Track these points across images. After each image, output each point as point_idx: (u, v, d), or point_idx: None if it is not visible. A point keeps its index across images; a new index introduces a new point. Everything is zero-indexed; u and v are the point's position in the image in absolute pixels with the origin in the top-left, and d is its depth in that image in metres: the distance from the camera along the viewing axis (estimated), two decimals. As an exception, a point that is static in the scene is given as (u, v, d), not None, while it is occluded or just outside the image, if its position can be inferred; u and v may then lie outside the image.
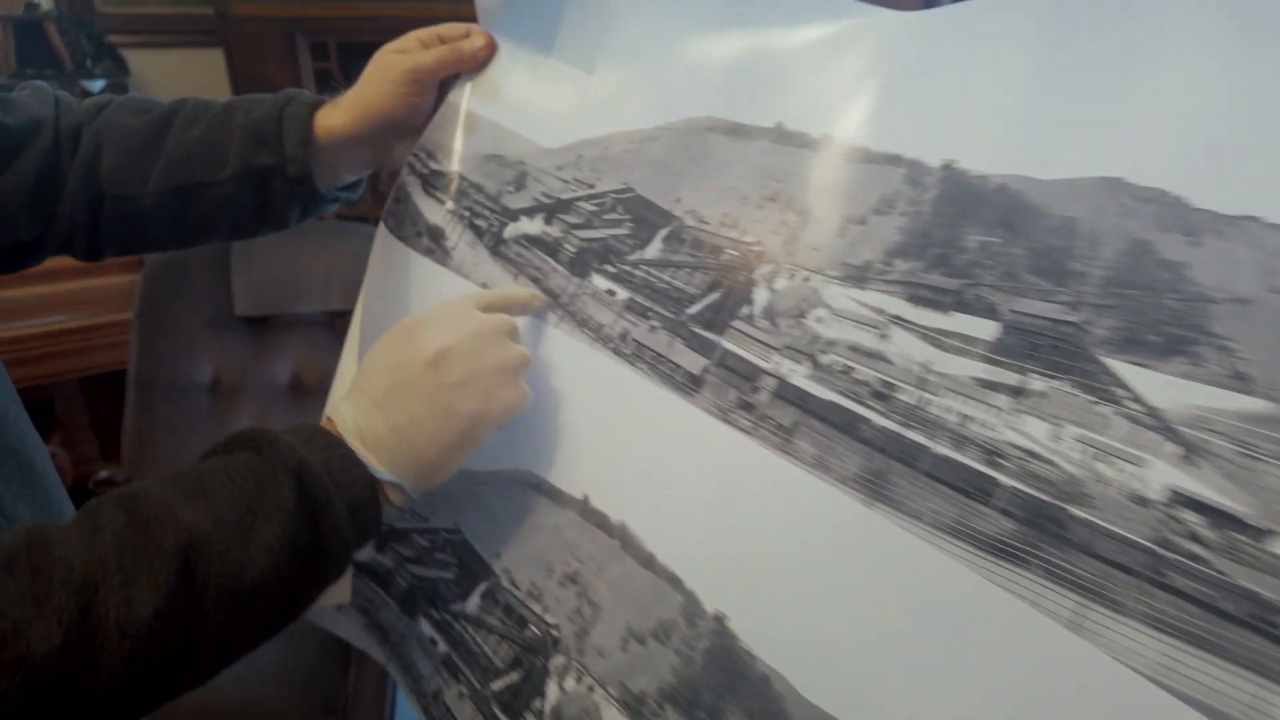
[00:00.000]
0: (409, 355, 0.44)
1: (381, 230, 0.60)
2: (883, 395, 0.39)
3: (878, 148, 0.43)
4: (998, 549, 0.33)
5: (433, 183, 0.58)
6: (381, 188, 2.20)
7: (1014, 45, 0.38)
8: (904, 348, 0.39)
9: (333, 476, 0.40)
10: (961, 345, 0.37)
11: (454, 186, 0.57)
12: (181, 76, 1.86)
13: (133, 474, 1.47)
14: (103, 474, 1.92)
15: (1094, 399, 0.32)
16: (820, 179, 0.45)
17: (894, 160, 0.42)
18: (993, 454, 0.34)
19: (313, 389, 1.56)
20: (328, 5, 1.70)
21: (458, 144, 0.57)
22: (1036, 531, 0.32)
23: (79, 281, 1.64)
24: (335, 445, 0.41)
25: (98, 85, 1.68)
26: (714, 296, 0.47)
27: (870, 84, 0.44)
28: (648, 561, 0.45)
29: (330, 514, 0.39)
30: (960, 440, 0.35)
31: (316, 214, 0.64)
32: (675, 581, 0.44)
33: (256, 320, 1.54)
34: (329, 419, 0.44)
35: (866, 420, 0.39)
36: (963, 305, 0.37)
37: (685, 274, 0.48)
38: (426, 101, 0.58)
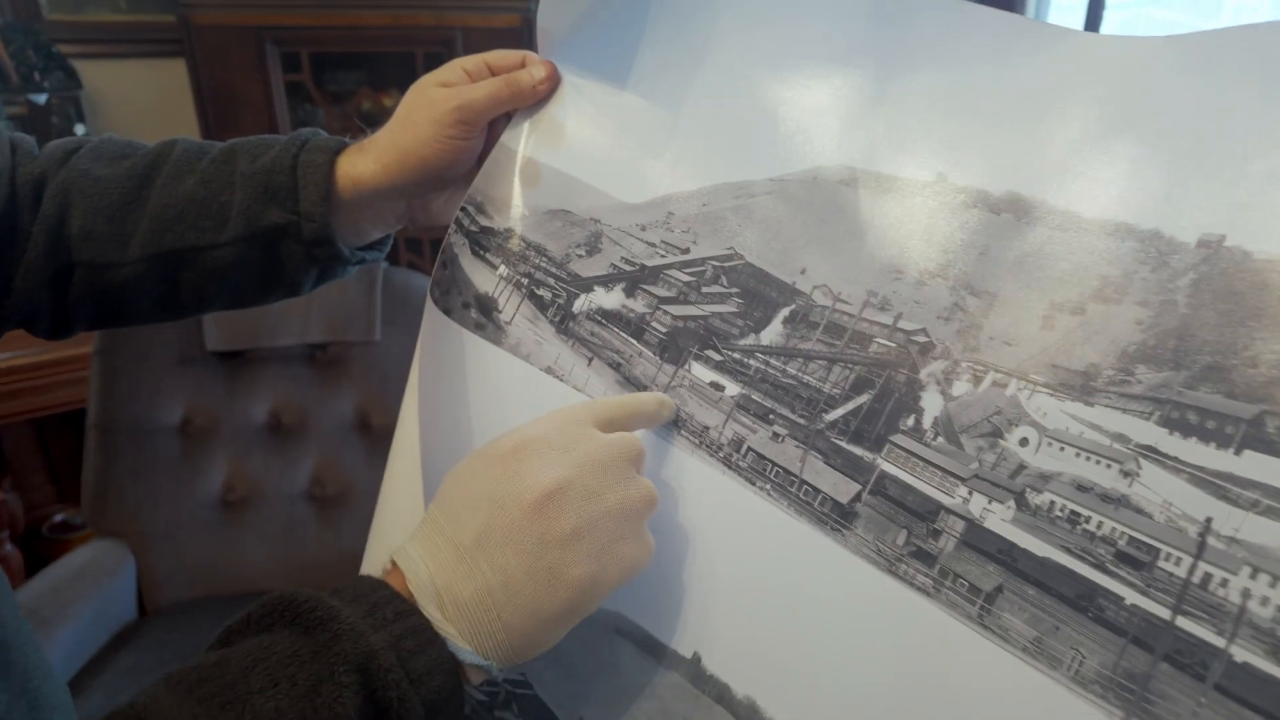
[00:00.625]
0: (509, 492, 0.33)
1: (429, 303, 0.49)
2: (1137, 561, 0.29)
3: (1092, 214, 0.33)
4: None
5: (482, 243, 0.47)
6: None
7: None
8: (1166, 494, 0.29)
9: (405, 665, 0.30)
10: (1271, 502, 0.27)
11: (509, 247, 0.47)
12: (139, 90, 1.71)
13: (93, 523, 1.33)
14: (59, 518, 1.76)
15: None
16: (1007, 250, 0.35)
17: (1120, 231, 0.32)
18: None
19: (292, 429, 1.43)
20: (300, 12, 1.57)
21: (515, 196, 0.46)
22: None
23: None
24: (406, 615, 0.31)
25: (44, 99, 1.53)
26: (862, 400, 0.37)
27: (1072, 130, 0.34)
28: (792, 753, 0.35)
29: (405, 718, 0.29)
30: (1278, 646, 0.26)
31: (334, 278, 0.53)
32: (836, 785, 0.33)
33: (229, 355, 1.42)
34: (394, 566, 0.33)
35: (1112, 595, 0.29)
36: (1263, 443, 0.27)
37: (819, 368, 0.38)
38: (474, 145, 0.47)
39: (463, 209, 0.47)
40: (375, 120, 0.49)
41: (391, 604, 0.31)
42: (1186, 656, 0.27)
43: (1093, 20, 0.98)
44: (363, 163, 0.47)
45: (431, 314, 0.48)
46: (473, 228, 0.47)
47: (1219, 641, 0.26)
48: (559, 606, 0.33)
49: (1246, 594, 0.26)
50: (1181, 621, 0.27)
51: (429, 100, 0.46)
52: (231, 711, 0.27)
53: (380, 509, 0.50)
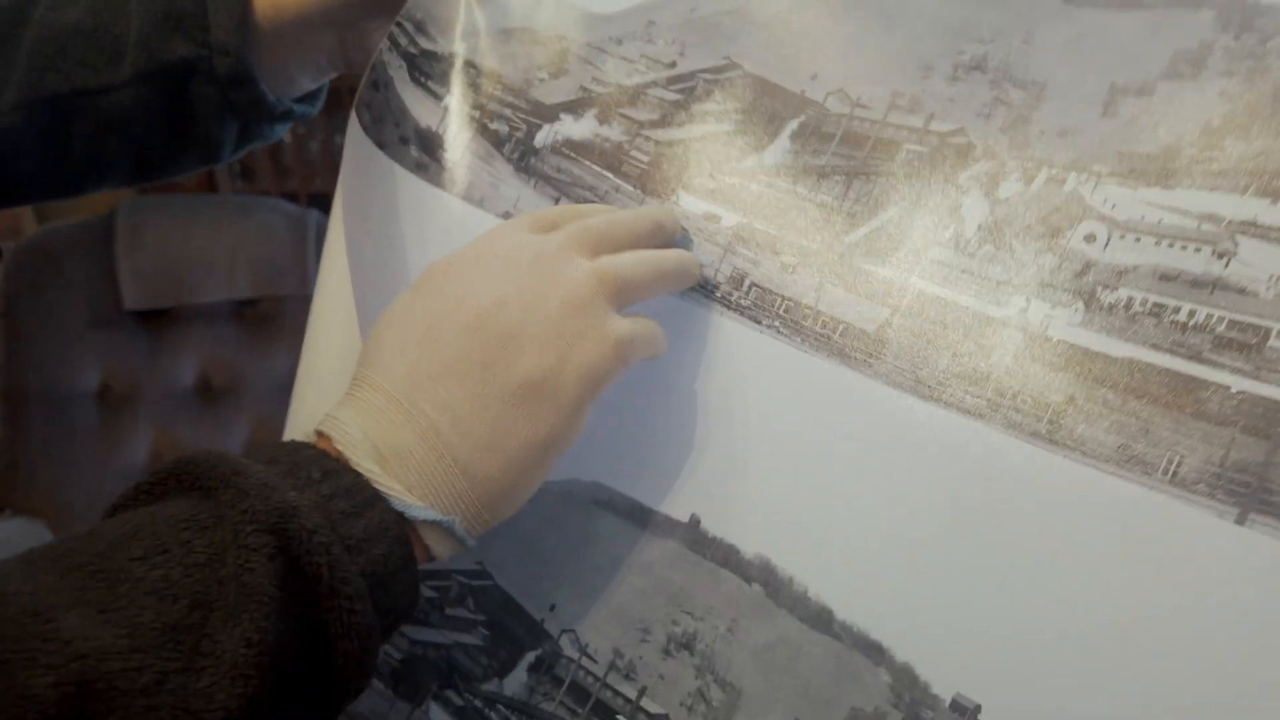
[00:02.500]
0: (441, 318, 0.28)
1: (353, 125, 0.41)
2: (1242, 344, 0.24)
3: None
4: None
5: (423, 68, 0.40)
6: (285, 159, 1.93)
7: None
8: (1272, 268, 0.24)
9: (338, 528, 0.23)
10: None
11: (455, 74, 0.40)
12: None
13: (4, 501, 1.21)
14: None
15: None
16: (1056, 35, 0.30)
17: (1191, 1, 0.28)
18: None
19: (224, 391, 1.33)
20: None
21: (462, 13, 0.39)
22: None
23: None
24: (337, 474, 0.25)
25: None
26: (889, 213, 0.32)
27: None
28: (819, 619, 0.29)
29: (340, 593, 0.22)
30: None
31: (261, 140, 0.44)
32: (875, 650, 0.28)
33: (150, 314, 1.30)
34: (320, 433, 0.27)
35: (1215, 386, 0.24)
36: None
37: (836, 184, 0.33)
38: None
39: (398, 24, 0.40)
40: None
41: (318, 463, 0.25)
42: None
43: None
44: None
45: (358, 142, 0.41)
46: (411, 49, 0.40)
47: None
48: (523, 435, 0.27)
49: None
50: (1311, 402, 0.22)
51: None
52: (102, 582, 0.20)
53: (301, 383, 0.42)
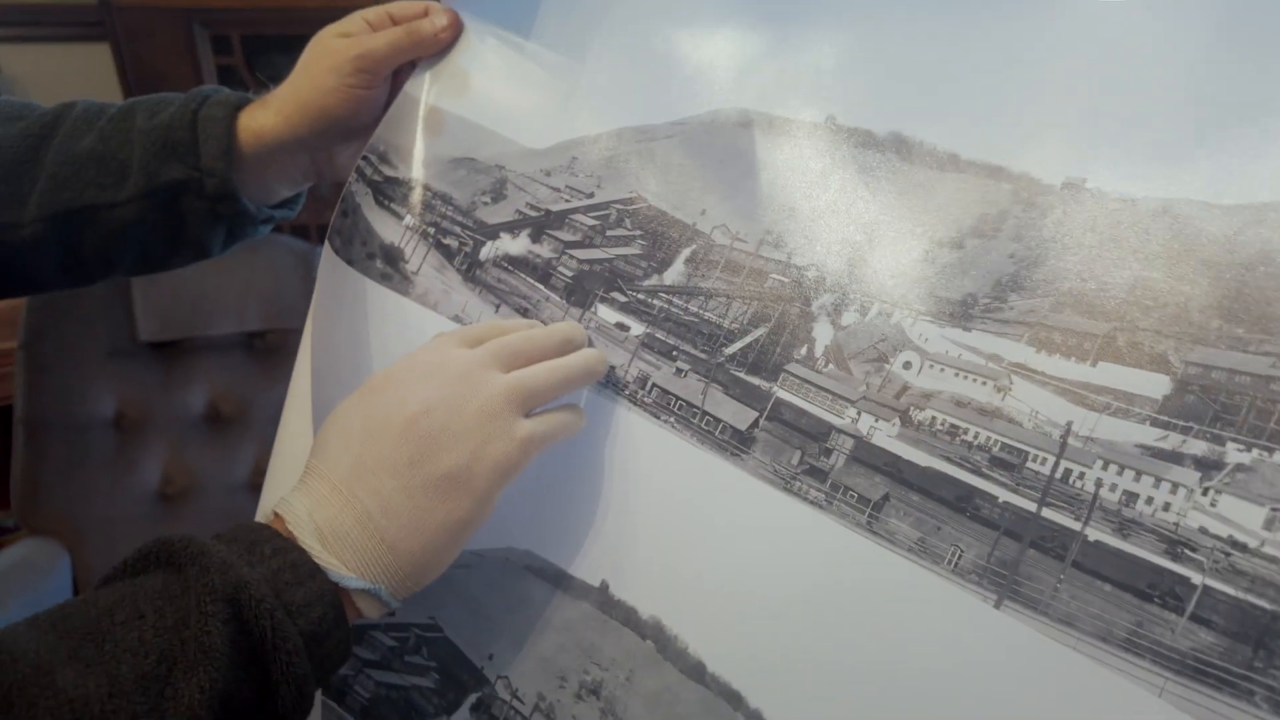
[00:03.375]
0: (378, 422, 0.33)
1: (327, 251, 0.48)
2: (1008, 464, 0.31)
3: (970, 155, 0.34)
4: (1198, 671, 0.25)
5: (386, 192, 0.47)
6: (323, 190, 2.02)
7: (1183, 40, 0.30)
8: (1034, 404, 0.30)
9: (282, 596, 0.29)
10: (1119, 404, 0.29)
11: (414, 197, 0.46)
12: (63, 75, 1.65)
13: (24, 522, 1.28)
14: (-15, 521, 1.69)
15: (1334, 478, 0.24)
16: (890, 188, 0.36)
17: (995, 173, 0.34)
18: (1176, 544, 0.26)
19: (231, 419, 1.40)
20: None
21: (418, 145, 0.46)
22: (1256, 650, 0.24)
23: (-52, 306, 1.43)
24: (284, 551, 0.30)
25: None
26: (758, 333, 0.38)
27: (956, 77, 0.35)
28: (695, 671, 0.36)
29: (280, 649, 0.28)
30: (1125, 525, 0.27)
31: (246, 239, 0.52)
32: (735, 698, 0.34)
33: (163, 345, 1.37)
34: (276, 515, 0.33)
35: (986, 495, 0.31)
36: (1115, 354, 0.29)
37: (718, 304, 0.39)
38: (377, 95, 0.47)
39: (364, 158, 0.47)
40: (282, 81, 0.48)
41: (270, 542, 0.31)
42: (1049, 541, 0.28)
43: None
44: (264, 115, 0.46)
45: (330, 263, 0.48)
46: (376, 177, 0.46)
47: (1075, 525, 0.28)
48: (440, 517, 0.33)
49: (1099, 483, 0.28)
50: (1046, 512, 0.29)
51: (328, 50, 0.45)
52: (92, 642, 0.26)
53: (271, 468, 0.49)
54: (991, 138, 0.34)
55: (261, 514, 0.36)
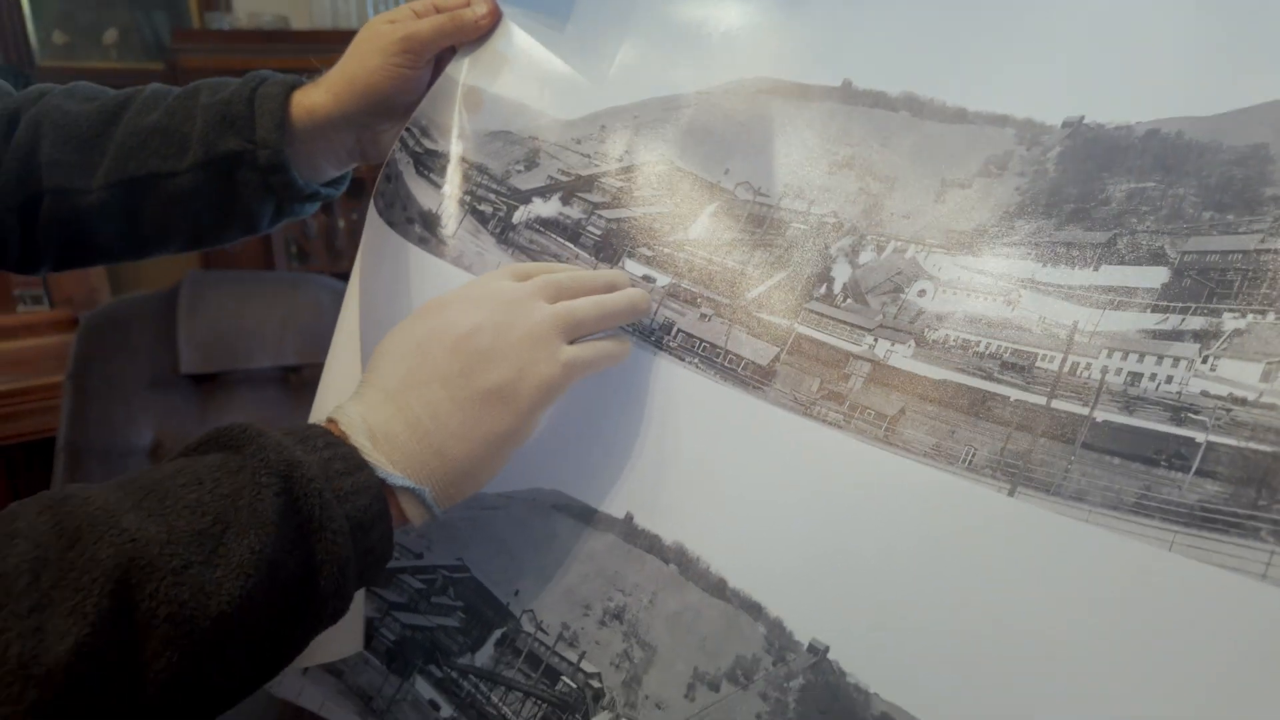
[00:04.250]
0: (431, 338, 0.36)
1: (371, 212, 0.52)
2: (1018, 366, 0.32)
3: (977, 107, 0.37)
4: (1205, 520, 0.26)
5: (426, 163, 0.50)
6: (338, 242, 2.11)
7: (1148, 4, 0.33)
8: (1041, 311, 0.32)
9: (331, 481, 0.31)
10: (1120, 298, 0.30)
11: (451, 168, 0.50)
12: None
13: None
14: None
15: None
16: (904, 141, 0.39)
17: (999, 120, 0.37)
18: (1180, 410, 0.28)
19: (263, 450, 1.43)
20: (282, 56, 1.66)
21: (456, 121, 0.50)
22: (1259, 491, 0.25)
23: (5, 343, 1.50)
24: (336, 444, 0.32)
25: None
26: (780, 276, 0.40)
27: (963, 41, 0.39)
28: (716, 588, 0.36)
29: (326, 528, 0.30)
30: (1131, 402, 0.29)
31: (293, 215, 0.55)
32: (755, 609, 0.35)
33: (203, 378, 1.42)
34: (330, 420, 0.34)
35: (999, 397, 0.32)
36: (1114, 257, 0.31)
37: (741, 253, 0.42)
38: (421, 76, 0.51)
39: (407, 130, 0.51)
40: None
41: (323, 436, 0.32)
42: (1060, 429, 0.30)
43: None
44: (316, 93, 0.51)
45: (374, 224, 0.51)
46: (417, 148, 0.50)
47: (1083, 410, 0.29)
48: (486, 428, 0.35)
49: (1105, 370, 0.29)
50: (1055, 403, 0.30)
51: (377, 33, 0.50)
52: (154, 498, 0.28)
53: (318, 401, 0.51)
54: (996, 90, 0.37)
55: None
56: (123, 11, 1.97)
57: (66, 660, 0.24)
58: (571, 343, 0.38)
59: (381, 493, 0.32)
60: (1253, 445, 0.25)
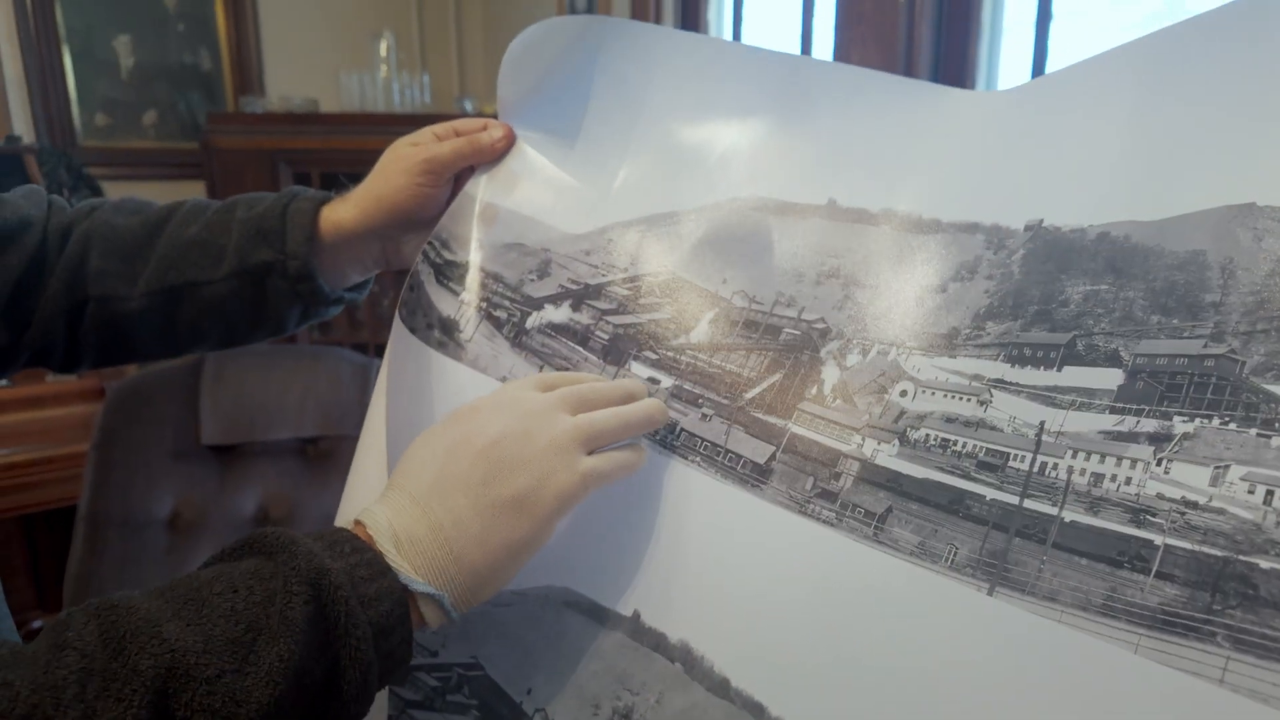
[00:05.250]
0: (457, 445, 0.38)
1: (396, 321, 0.55)
2: (992, 466, 0.34)
3: (949, 218, 0.41)
4: (1166, 623, 0.28)
5: (446, 273, 0.54)
6: (359, 314, 2.17)
7: (1101, 109, 0.37)
8: (1011, 411, 0.35)
9: (357, 588, 0.33)
10: (1082, 399, 0.33)
11: (469, 277, 0.54)
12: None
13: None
14: (37, 624, 1.73)
15: (1262, 431, 0.28)
16: (885, 251, 0.42)
17: (970, 228, 0.40)
18: (1139, 512, 0.30)
19: (279, 522, 1.45)
20: (310, 138, 1.74)
21: (474, 234, 0.54)
22: (1213, 595, 0.27)
23: (32, 413, 1.55)
24: (362, 550, 0.35)
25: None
26: (775, 378, 0.43)
27: (936, 160, 0.43)
28: (720, 688, 0.38)
29: (351, 634, 0.32)
30: (1095, 503, 0.31)
31: (318, 317, 0.59)
32: (758, 710, 0.37)
33: (224, 449, 1.45)
34: (358, 521, 0.37)
35: (976, 496, 0.34)
36: (1075, 358, 0.34)
37: (739, 357, 0.45)
38: (441, 194, 0.55)
39: (429, 243, 0.55)
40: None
41: (350, 542, 0.35)
42: (1031, 528, 0.32)
43: (1041, 27, 1.13)
44: (343, 208, 0.55)
45: (398, 332, 0.55)
46: (437, 260, 0.54)
47: (1053, 510, 0.31)
48: (504, 535, 0.37)
49: (1070, 470, 0.32)
50: (1027, 503, 0.32)
51: (401, 155, 0.54)
52: (192, 605, 0.31)
53: (346, 499, 0.54)
54: (967, 201, 0.41)
55: (340, 522, 0.40)
56: (162, 95, 2.08)
57: None
58: (590, 453, 0.40)
59: (404, 598, 0.35)
60: (1205, 549, 0.27)
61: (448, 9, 2.27)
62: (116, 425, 1.41)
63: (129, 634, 0.29)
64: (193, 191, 1.82)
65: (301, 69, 2.14)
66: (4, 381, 1.63)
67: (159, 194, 1.92)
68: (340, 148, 1.73)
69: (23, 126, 1.85)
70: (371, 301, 2.00)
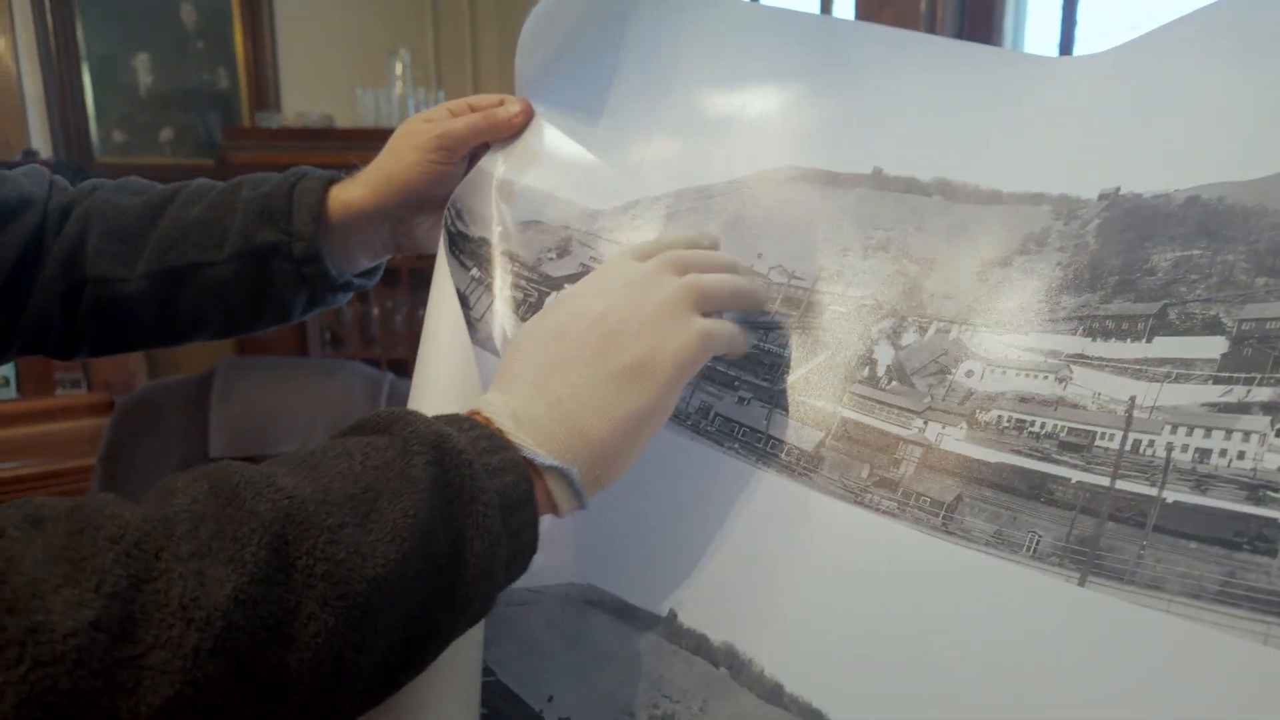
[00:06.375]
0: (566, 324, 0.36)
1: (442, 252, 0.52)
2: (1077, 446, 0.31)
3: (1010, 188, 0.38)
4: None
5: (459, 244, 0.51)
6: (372, 329, 2.15)
7: (1194, 73, 0.34)
8: (1096, 387, 0.31)
9: (480, 456, 0.31)
10: (1180, 370, 0.29)
11: (481, 253, 0.51)
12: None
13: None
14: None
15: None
16: (939, 224, 0.39)
17: (1035, 199, 0.37)
18: (1257, 488, 0.26)
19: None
20: (325, 153, 1.74)
21: (491, 210, 0.51)
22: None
23: (40, 426, 1.53)
24: (481, 427, 0.32)
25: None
26: (820, 358, 0.40)
27: (994, 126, 0.39)
28: (773, 694, 0.34)
29: (477, 499, 0.29)
30: (1203, 481, 0.27)
31: (325, 305, 0.56)
32: (817, 718, 0.33)
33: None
34: (473, 410, 0.34)
35: (1059, 479, 0.31)
36: (1168, 328, 0.30)
37: (778, 336, 0.41)
38: (456, 172, 0.53)
39: (448, 208, 0.52)
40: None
41: (469, 420, 0.33)
42: (1127, 511, 0.28)
43: (1065, 43, 1.11)
44: (353, 188, 0.52)
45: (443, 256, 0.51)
46: (451, 227, 0.51)
47: (1152, 491, 0.28)
48: (626, 405, 0.34)
49: (1170, 447, 0.28)
50: (1120, 484, 0.29)
51: (414, 131, 0.52)
52: (307, 466, 0.28)
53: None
54: (1029, 170, 0.37)
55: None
56: (179, 112, 2.10)
57: (226, 607, 0.23)
58: (705, 316, 0.37)
59: (527, 472, 0.32)
60: (1346, 528, 0.24)
61: (463, 27, 2.29)
62: (124, 438, 1.39)
63: (243, 483, 0.26)
64: (207, 204, 1.81)
65: (317, 86, 2.15)
66: (13, 394, 1.61)
67: (173, 206, 1.89)
68: (355, 163, 1.72)
69: (41, 142, 1.86)
70: (385, 317, 1.99)
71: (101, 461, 1.35)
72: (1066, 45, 1.12)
